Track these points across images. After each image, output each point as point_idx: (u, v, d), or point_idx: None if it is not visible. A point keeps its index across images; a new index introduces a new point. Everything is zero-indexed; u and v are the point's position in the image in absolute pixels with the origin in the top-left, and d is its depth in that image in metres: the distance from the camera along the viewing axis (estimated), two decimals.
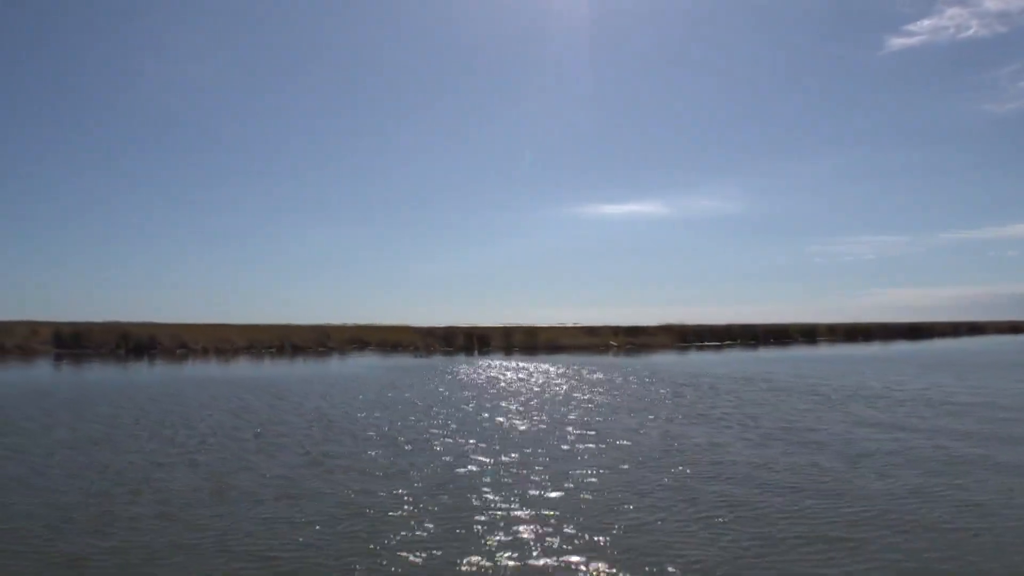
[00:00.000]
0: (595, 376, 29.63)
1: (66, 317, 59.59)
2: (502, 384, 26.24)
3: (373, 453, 12.68)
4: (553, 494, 9.73)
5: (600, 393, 22.97)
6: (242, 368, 35.48)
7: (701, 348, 58.86)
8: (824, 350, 57.06)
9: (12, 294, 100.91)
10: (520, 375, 30.51)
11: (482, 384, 26.38)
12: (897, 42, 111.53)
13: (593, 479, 10.67)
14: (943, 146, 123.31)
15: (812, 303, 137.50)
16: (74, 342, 47.24)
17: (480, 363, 38.97)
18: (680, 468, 11.36)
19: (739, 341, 68.10)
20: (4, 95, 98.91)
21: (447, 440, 13.97)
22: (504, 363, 38.89)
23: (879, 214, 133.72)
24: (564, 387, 25.00)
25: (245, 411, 18.28)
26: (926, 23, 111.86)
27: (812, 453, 12.52)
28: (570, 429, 15.33)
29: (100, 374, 31.54)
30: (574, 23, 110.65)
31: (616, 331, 59.89)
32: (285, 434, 14.74)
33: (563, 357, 45.50)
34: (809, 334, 77.01)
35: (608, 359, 43.73)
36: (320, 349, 49.64)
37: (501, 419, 16.89)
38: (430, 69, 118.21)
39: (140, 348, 46.43)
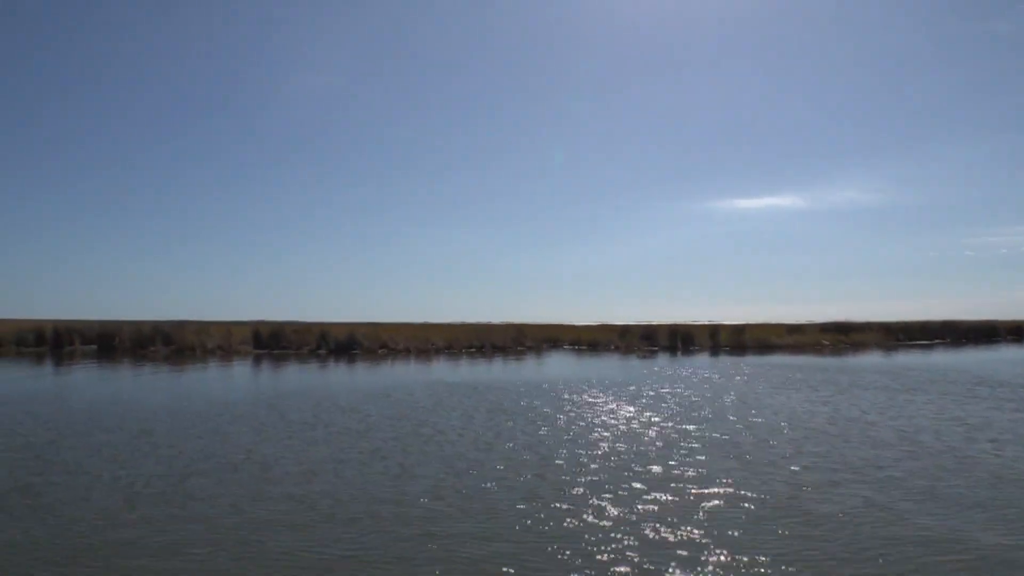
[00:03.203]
0: (917, 387, 24.80)
1: (254, 317, 59.47)
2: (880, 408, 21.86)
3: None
4: None
5: None
6: (470, 370, 32.48)
7: (911, 347, 52.45)
8: None
9: (214, 296, 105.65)
10: (820, 398, 26.00)
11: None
12: None
13: None
14: None
15: (965, 299, 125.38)
16: (273, 342, 45.99)
17: (706, 363, 34.57)
18: None
19: (947, 339, 61.11)
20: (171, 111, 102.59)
21: None
22: (735, 362, 34.39)
23: None
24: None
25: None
26: None
27: None
28: None
29: (353, 376, 29.11)
30: (704, 14, 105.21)
31: (823, 328, 54.31)
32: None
33: (778, 358, 40.55)
34: (1016, 332, 68.88)
35: (843, 361, 38.31)
36: (519, 349, 46.59)
37: None
38: (573, 69, 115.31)
39: (340, 348, 44.66)
